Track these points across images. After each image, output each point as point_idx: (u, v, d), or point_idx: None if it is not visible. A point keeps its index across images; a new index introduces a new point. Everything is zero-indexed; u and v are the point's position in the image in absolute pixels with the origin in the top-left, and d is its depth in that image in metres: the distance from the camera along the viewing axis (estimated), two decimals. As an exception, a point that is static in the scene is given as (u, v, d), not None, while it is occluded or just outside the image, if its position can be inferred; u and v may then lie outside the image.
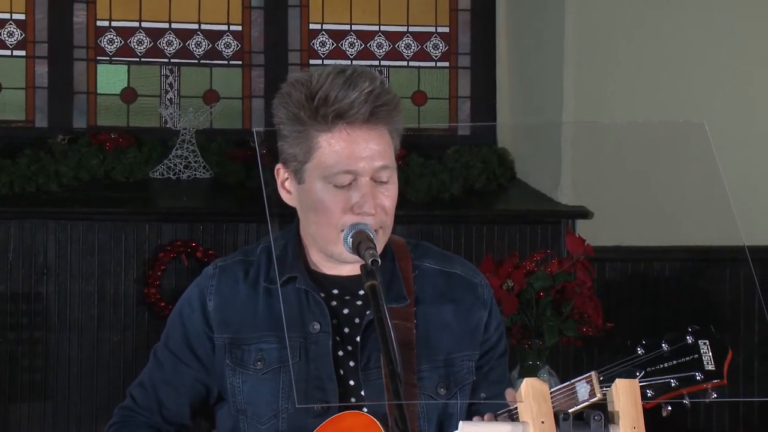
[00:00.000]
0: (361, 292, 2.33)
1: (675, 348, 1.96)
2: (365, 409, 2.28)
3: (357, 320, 2.33)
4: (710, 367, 1.96)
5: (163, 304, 4.72)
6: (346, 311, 2.34)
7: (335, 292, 2.36)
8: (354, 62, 5.37)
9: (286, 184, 2.34)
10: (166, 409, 2.40)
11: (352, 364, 2.31)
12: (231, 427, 2.37)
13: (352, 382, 2.31)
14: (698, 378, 1.96)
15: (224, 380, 2.35)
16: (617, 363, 1.93)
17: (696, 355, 1.97)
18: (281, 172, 2.33)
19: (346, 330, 2.33)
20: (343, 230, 2.25)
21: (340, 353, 2.32)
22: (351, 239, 2.22)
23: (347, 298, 2.35)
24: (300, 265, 2.35)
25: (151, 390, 2.41)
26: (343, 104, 2.22)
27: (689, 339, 1.99)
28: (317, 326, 2.31)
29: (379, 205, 2.26)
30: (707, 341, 1.98)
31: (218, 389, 2.39)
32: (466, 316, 2.38)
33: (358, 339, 2.32)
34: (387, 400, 2.22)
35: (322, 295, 2.33)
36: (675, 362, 1.96)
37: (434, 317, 2.36)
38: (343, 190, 2.25)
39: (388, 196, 2.28)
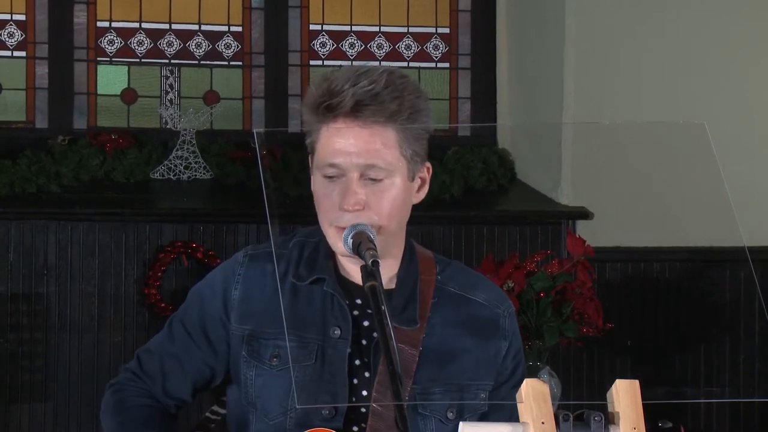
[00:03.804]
0: (383, 308, 2.32)
1: None
2: (363, 410, 2.28)
3: (374, 335, 2.32)
4: None
5: (163, 305, 4.73)
6: (366, 323, 2.34)
7: (359, 302, 2.35)
8: (354, 63, 5.38)
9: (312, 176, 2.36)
10: (169, 383, 2.41)
11: (366, 375, 2.31)
12: (240, 416, 2.37)
13: (365, 393, 2.30)
14: None
15: (238, 371, 2.35)
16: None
17: None
18: (310, 164, 2.35)
19: (364, 342, 2.33)
20: (332, 224, 2.26)
21: (357, 362, 2.31)
22: (351, 240, 2.22)
23: (369, 311, 2.33)
24: (330, 268, 2.35)
25: (159, 360, 2.42)
26: (335, 99, 2.24)
27: None
28: (337, 331, 2.31)
29: (367, 204, 2.25)
30: None
31: (225, 374, 2.38)
32: (485, 345, 2.37)
33: (372, 353, 2.31)
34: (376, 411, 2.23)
35: (347, 302, 2.33)
36: None
37: (451, 343, 2.34)
38: (332, 183, 2.26)
39: (384, 197, 2.26)
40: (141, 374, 2.43)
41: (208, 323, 2.38)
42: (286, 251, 2.38)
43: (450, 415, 2.33)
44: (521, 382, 2.40)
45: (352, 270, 2.35)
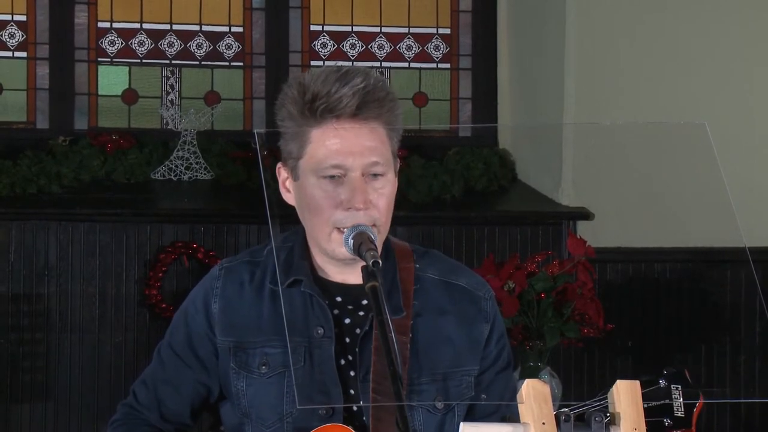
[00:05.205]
0: (365, 302, 2.31)
1: (647, 391, 1.94)
2: (354, 408, 2.28)
3: (357, 331, 2.32)
4: (680, 414, 1.95)
5: (164, 305, 4.73)
6: (347, 321, 2.33)
7: (339, 299, 2.35)
8: (355, 63, 5.37)
9: (287, 183, 2.34)
10: (165, 408, 2.41)
11: (352, 373, 2.31)
12: (236, 425, 2.37)
13: (352, 392, 2.30)
14: (666, 424, 1.95)
15: (228, 383, 2.35)
16: (588, 402, 1.91)
17: (667, 400, 1.95)
18: (281, 171, 2.34)
19: (347, 340, 2.32)
20: (335, 227, 2.25)
21: (342, 362, 2.31)
22: (352, 240, 2.21)
23: (350, 307, 2.34)
24: (306, 269, 2.34)
25: (152, 388, 2.42)
26: (333, 99, 2.23)
27: (662, 383, 1.97)
28: (321, 330, 2.30)
29: (371, 202, 2.25)
30: (679, 387, 1.97)
31: (219, 390, 2.38)
32: (468, 329, 2.37)
33: (357, 350, 2.31)
34: (372, 413, 2.22)
35: (326, 301, 2.33)
36: (645, 405, 1.93)
37: (435, 330, 2.34)
38: (333, 185, 2.25)
39: (383, 194, 2.27)
40: (137, 406, 2.43)
41: (195, 341, 2.38)
42: (262, 259, 2.38)
43: (438, 404, 2.32)
44: (507, 367, 2.41)
45: (330, 269, 2.35)
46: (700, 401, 1.96)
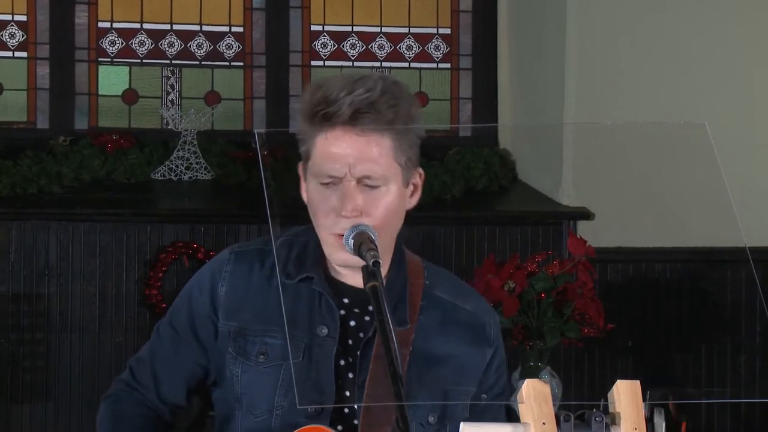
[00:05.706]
0: (371, 308, 2.32)
1: None
2: (346, 410, 2.28)
3: (361, 335, 2.33)
4: None
5: (164, 305, 4.72)
6: (352, 323, 2.34)
7: (346, 301, 2.35)
8: (355, 64, 5.38)
9: (303, 183, 2.36)
10: (162, 386, 2.42)
11: (350, 375, 2.31)
12: (226, 412, 2.37)
13: (348, 393, 2.30)
14: None
15: (223, 367, 2.36)
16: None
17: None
18: (300, 171, 2.36)
19: (350, 342, 2.33)
20: (331, 232, 2.27)
21: (342, 363, 2.31)
22: (352, 241, 2.22)
23: (356, 310, 2.35)
24: (318, 267, 2.35)
25: (150, 365, 2.43)
26: (331, 107, 2.24)
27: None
28: (325, 330, 2.31)
29: (363, 210, 2.26)
30: (662, 410, 1.97)
31: (216, 373, 2.39)
32: (470, 351, 2.38)
33: (358, 353, 2.32)
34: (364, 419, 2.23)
35: (335, 302, 2.33)
36: None
37: (436, 347, 2.35)
38: (328, 191, 2.27)
39: (381, 203, 2.27)
40: (134, 383, 2.44)
41: (197, 321, 2.39)
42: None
43: (431, 419, 2.33)
44: (502, 393, 2.41)
45: (343, 270, 2.36)
46: (683, 427, 1.97)
